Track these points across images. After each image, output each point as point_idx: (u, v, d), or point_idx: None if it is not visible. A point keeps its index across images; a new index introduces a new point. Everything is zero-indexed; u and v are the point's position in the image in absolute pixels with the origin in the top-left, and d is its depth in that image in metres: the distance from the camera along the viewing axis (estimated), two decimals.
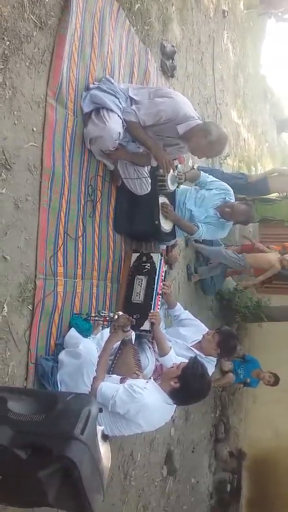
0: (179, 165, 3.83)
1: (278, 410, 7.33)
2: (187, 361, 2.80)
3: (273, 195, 6.56)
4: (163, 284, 3.61)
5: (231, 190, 4.31)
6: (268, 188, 5.93)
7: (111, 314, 2.89)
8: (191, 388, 2.67)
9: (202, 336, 3.64)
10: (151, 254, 3.61)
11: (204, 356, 3.55)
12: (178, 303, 3.86)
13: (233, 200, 4.25)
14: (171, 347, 3.36)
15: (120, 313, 2.86)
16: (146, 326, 3.36)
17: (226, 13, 7.02)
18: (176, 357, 3.29)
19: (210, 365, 3.56)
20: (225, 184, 4.34)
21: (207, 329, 3.77)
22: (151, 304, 3.44)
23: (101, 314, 3.08)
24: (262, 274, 5.73)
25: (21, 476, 1.72)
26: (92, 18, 3.07)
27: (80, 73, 2.98)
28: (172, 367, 2.83)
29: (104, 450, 1.95)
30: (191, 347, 3.57)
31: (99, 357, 2.69)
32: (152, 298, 3.44)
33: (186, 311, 3.89)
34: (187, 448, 5.23)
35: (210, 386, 2.81)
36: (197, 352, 3.54)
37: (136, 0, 3.75)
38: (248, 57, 9.30)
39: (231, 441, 7.19)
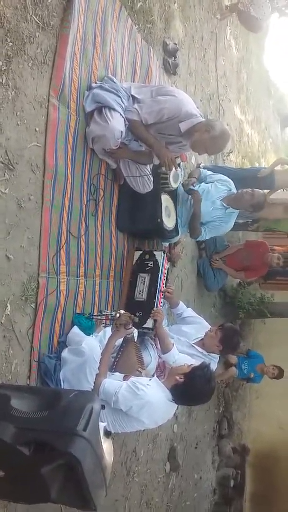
0: (181, 163, 3.84)
1: (282, 405, 7.34)
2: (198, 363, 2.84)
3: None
4: (167, 286, 3.62)
5: (231, 181, 4.31)
6: (274, 182, 5.89)
7: (113, 313, 2.91)
8: (194, 388, 2.68)
9: (204, 333, 3.66)
10: (154, 252, 3.63)
11: (206, 353, 3.57)
12: (181, 302, 3.87)
13: (235, 191, 4.26)
14: (173, 344, 3.38)
15: (122, 311, 2.89)
16: (149, 323, 3.38)
17: (228, 8, 6.98)
18: (178, 354, 3.32)
19: (213, 362, 3.58)
20: (224, 176, 4.34)
21: (210, 326, 3.79)
22: (154, 302, 3.46)
23: (103, 313, 3.10)
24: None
25: (24, 472, 1.75)
26: (94, 17, 3.09)
27: (82, 73, 3.00)
28: (183, 365, 2.85)
29: (106, 446, 1.98)
30: (194, 345, 3.59)
31: (101, 354, 2.71)
32: (155, 296, 3.46)
33: (189, 308, 3.90)
34: (190, 444, 5.26)
35: (212, 393, 2.82)
36: (200, 349, 3.56)
37: None
38: (251, 52, 9.26)
39: (234, 437, 7.21)
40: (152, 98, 3.13)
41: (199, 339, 3.67)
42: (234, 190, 4.22)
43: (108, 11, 3.25)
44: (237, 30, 7.73)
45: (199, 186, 4.15)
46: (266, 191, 6.43)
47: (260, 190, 4.31)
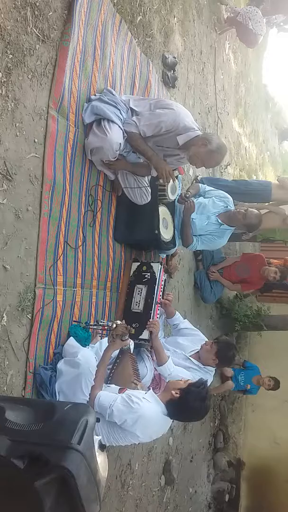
0: (179, 175, 3.86)
1: (277, 419, 7.32)
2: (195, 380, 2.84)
3: None
4: (166, 294, 3.62)
5: (230, 197, 4.31)
6: (269, 196, 5.92)
7: (110, 323, 2.90)
8: (188, 405, 2.67)
9: (200, 346, 3.65)
10: (151, 264, 3.63)
11: (202, 366, 3.56)
12: (177, 312, 3.86)
13: (233, 208, 4.27)
14: (169, 356, 3.37)
15: (118, 322, 2.88)
16: (144, 335, 3.37)
17: (227, 22, 7.05)
18: (174, 367, 3.31)
19: (209, 375, 3.57)
20: (223, 192, 4.34)
21: (206, 339, 3.78)
22: (151, 313, 3.45)
23: (100, 323, 3.09)
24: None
25: (18, 486, 1.73)
26: (94, 30, 3.12)
27: (82, 85, 3.02)
28: (180, 380, 2.84)
29: (101, 460, 1.96)
30: (190, 357, 3.58)
31: (97, 366, 2.70)
32: (151, 307, 3.46)
33: (186, 320, 3.89)
34: (185, 457, 5.22)
35: (206, 412, 2.81)
36: (196, 362, 3.55)
37: (138, 13, 3.79)
38: (249, 66, 9.35)
39: (230, 451, 7.17)
40: (151, 111, 3.15)
41: (195, 351, 3.66)
42: (231, 208, 4.22)
43: (108, 24, 3.28)
44: (236, 44, 7.81)
45: (196, 200, 4.17)
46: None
47: (255, 210, 4.30)
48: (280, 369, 6.67)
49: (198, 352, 3.65)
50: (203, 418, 2.88)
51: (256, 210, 4.34)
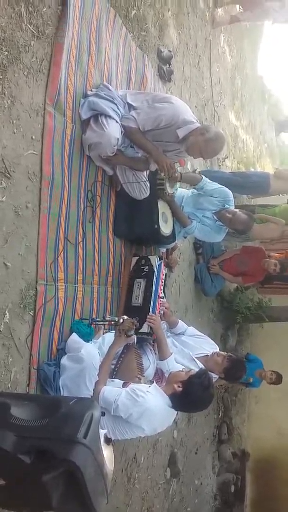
0: (178, 168, 3.85)
1: (281, 410, 7.34)
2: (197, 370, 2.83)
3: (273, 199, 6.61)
4: (162, 303, 3.57)
5: (232, 197, 4.19)
6: (268, 187, 5.92)
7: (116, 318, 2.91)
8: (192, 396, 2.69)
9: (211, 353, 3.57)
10: (149, 257, 3.64)
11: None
12: (180, 321, 3.77)
13: (232, 207, 4.21)
14: (172, 353, 3.35)
15: (125, 317, 2.89)
16: (144, 328, 3.36)
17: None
18: (175, 364, 3.28)
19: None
20: (228, 191, 4.17)
21: (216, 346, 3.72)
22: (149, 307, 3.45)
23: (106, 318, 3.10)
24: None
25: (26, 481, 1.75)
26: (89, 26, 3.11)
27: (77, 81, 3.01)
28: (181, 371, 2.85)
29: (107, 453, 1.98)
30: (195, 359, 3.52)
31: (101, 361, 2.71)
32: (150, 300, 3.46)
33: (191, 327, 3.79)
34: (190, 450, 5.24)
35: (211, 401, 2.83)
36: (200, 365, 3.46)
37: (133, 7, 3.78)
38: (245, 59, 9.31)
39: (234, 442, 7.19)
40: (149, 105, 3.16)
41: (203, 355, 3.56)
42: (228, 206, 4.14)
43: (103, 19, 3.27)
44: (231, 37, 7.79)
45: (191, 194, 4.14)
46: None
47: (243, 215, 4.21)
48: (283, 360, 6.69)
49: (205, 356, 3.56)
50: (208, 407, 2.89)
51: (244, 215, 4.25)
